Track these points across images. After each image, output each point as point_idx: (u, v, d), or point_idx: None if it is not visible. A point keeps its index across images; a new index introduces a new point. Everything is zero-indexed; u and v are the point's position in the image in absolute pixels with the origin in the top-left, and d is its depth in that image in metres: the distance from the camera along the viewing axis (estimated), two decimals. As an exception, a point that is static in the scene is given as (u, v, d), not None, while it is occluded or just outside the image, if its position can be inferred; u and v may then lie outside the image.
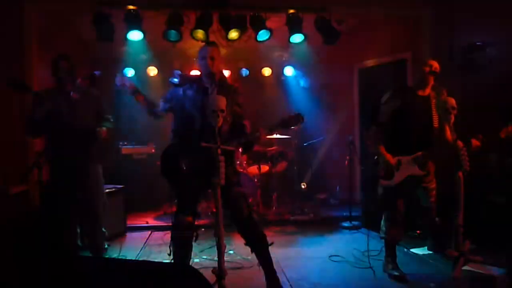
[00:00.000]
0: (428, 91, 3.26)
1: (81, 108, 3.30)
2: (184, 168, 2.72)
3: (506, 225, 3.78)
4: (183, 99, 2.85)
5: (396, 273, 3.26)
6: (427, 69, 3.17)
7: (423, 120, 3.21)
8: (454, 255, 2.71)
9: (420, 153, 3.15)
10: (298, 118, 2.82)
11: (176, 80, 2.86)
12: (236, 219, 2.87)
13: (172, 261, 2.84)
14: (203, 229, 3.79)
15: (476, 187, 3.72)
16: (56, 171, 3.26)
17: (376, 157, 3.34)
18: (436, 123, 3.20)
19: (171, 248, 2.87)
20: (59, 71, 3.23)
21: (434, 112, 3.21)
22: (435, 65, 3.20)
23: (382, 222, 3.40)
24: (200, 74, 2.96)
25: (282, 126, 2.84)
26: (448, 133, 2.98)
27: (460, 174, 2.70)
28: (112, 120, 3.59)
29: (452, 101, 2.76)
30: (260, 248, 2.90)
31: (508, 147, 3.70)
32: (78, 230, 3.86)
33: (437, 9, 4.67)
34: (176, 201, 2.93)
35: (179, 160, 2.74)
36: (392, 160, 3.20)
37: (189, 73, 2.87)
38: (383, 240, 3.42)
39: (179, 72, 2.90)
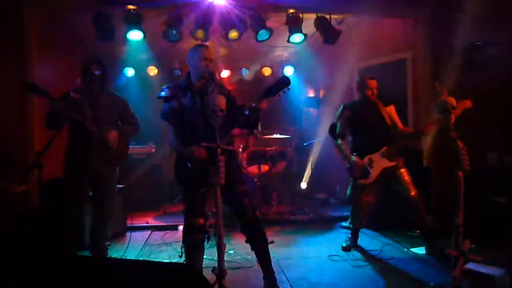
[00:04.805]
0: (373, 97, 3.79)
1: (103, 111, 3.32)
2: (190, 166, 2.72)
3: (506, 225, 3.78)
4: (180, 110, 2.80)
5: (344, 244, 3.97)
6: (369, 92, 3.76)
7: (375, 121, 3.73)
8: (454, 255, 2.70)
9: (385, 148, 3.65)
10: (284, 81, 2.65)
11: (164, 93, 2.82)
12: (239, 217, 2.86)
13: (184, 262, 2.85)
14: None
15: (476, 187, 3.72)
16: (71, 169, 3.29)
17: (348, 164, 3.79)
18: (388, 121, 3.73)
19: (182, 250, 2.87)
20: (89, 74, 3.22)
21: (383, 113, 3.75)
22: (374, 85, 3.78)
23: (349, 214, 4.08)
24: (187, 75, 2.92)
25: (270, 94, 2.68)
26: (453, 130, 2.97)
27: (460, 173, 2.70)
28: (135, 125, 3.59)
29: (452, 101, 2.76)
30: (260, 247, 2.90)
31: (507, 146, 3.70)
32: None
33: (437, 9, 4.66)
34: (185, 204, 2.92)
35: (188, 163, 2.74)
36: (360, 161, 3.68)
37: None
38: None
39: (166, 86, 2.86)
